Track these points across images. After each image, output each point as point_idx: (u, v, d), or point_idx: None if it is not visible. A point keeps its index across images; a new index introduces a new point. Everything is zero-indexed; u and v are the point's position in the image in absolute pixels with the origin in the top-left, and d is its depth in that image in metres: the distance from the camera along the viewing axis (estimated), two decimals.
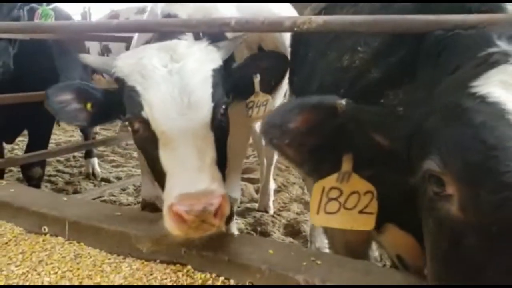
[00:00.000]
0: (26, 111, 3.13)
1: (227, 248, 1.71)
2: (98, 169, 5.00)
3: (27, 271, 1.72)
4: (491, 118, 0.79)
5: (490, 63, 0.89)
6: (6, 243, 1.94)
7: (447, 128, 0.86)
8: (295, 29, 1.65)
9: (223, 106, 1.70)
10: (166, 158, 1.60)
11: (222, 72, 1.73)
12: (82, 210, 2.09)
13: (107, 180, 4.87)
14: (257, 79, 1.82)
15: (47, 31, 2.33)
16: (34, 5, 3.04)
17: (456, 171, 0.81)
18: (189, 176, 1.53)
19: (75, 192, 4.37)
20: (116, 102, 1.74)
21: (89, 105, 1.76)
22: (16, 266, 1.73)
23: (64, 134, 7.00)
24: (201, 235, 1.55)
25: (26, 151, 3.62)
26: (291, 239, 3.23)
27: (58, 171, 5.05)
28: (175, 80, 1.61)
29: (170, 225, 1.52)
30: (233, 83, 1.77)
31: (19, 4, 2.95)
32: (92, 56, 1.85)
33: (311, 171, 1.21)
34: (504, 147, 0.75)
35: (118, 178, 4.92)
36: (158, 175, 1.66)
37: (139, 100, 1.62)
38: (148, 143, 1.66)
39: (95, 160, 5.02)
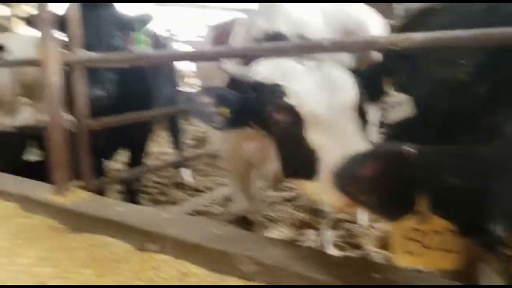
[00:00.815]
0: (127, 131, 3.34)
1: (329, 271, 1.71)
2: (188, 178, 5.23)
3: None
4: None
5: None
6: (118, 260, 2.08)
7: None
8: (392, 47, 1.61)
9: (363, 101, 1.81)
10: (318, 138, 1.70)
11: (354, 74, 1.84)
12: (183, 227, 2.19)
13: (196, 189, 5.07)
14: (387, 79, 1.87)
15: (156, 62, 2.45)
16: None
17: None
18: (349, 139, 1.66)
19: (169, 202, 4.60)
20: (252, 109, 1.87)
21: (226, 110, 1.89)
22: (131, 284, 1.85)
23: (155, 145, 7.36)
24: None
25: (128, 167, 3.89)
26: (385, 252, 3.15)
27: (153, 181, 5.35)
28: (316, 74, 1.76)
29: (331, 194, 1.56)
30: (363, 86, 1.84)
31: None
32: (230, 64, 2.00)
33: (387, 215, 1.25)
34: None
35: (206, 187, 5.10)
36: (305, 160, 1.74)
37: (284, 91, 1.75)
38: (294, 129, 1.75)
39: (186, 171, 5.26)
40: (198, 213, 4.14)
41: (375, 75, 1.89)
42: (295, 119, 1.75)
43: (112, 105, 3.05)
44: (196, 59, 2.19)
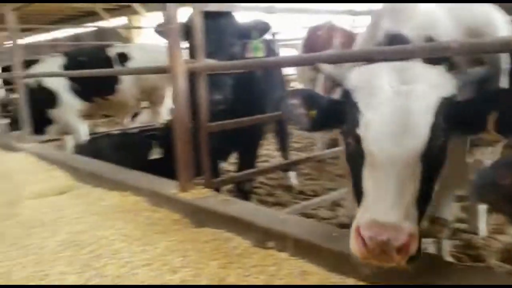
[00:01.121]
0: (242, 133, 3.49)
1: (448, 277, 1.66)
2: (295, 182, 5.32)
3: None
4: None
5: None
6: (240, 254, 2.20)
7: None
8: None
9: (442, 139, 1.63)
10: (368, 178, 1.63)
11: (453, 102, 1.65)
12: (301, 227, 2.26)
13: (302, 192, 5.13)
14: (492, 116, 1.62)
15: (271, 67, 2.54)
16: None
17: None
18: (384, 204, 1.53)
19: (277, 203, 4.72)
20: (339, 114, 1.83)
21: (313, 112, 1.91)
22: (254, 278, 1.95)
23: (262, 148, 7.55)
24: (380, 264, 1.55)
25: (239, 169, 4.10)
26: (508, 266, 2.94)
27: (261, 183, 5.52)
28: (397, 103, 1.61)
29: (353, 245, 1.57)
30: (464, 115, 1.65)
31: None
32: (328, 66, 2.01)
33: None
34: None
35: (313, 191, 5.14)
36: (357, 192, 1.71)
37: (358, 116, 1.68)
38: (356, 159, 1.71)
39: (293, 174, 5.36)
40: (306, 216, 4.18)
41: (480, 107, 1.64)
42: (359, 149, 1.66)
43: (228, 109, 3.22)
44: (311, 63, 2.20)
